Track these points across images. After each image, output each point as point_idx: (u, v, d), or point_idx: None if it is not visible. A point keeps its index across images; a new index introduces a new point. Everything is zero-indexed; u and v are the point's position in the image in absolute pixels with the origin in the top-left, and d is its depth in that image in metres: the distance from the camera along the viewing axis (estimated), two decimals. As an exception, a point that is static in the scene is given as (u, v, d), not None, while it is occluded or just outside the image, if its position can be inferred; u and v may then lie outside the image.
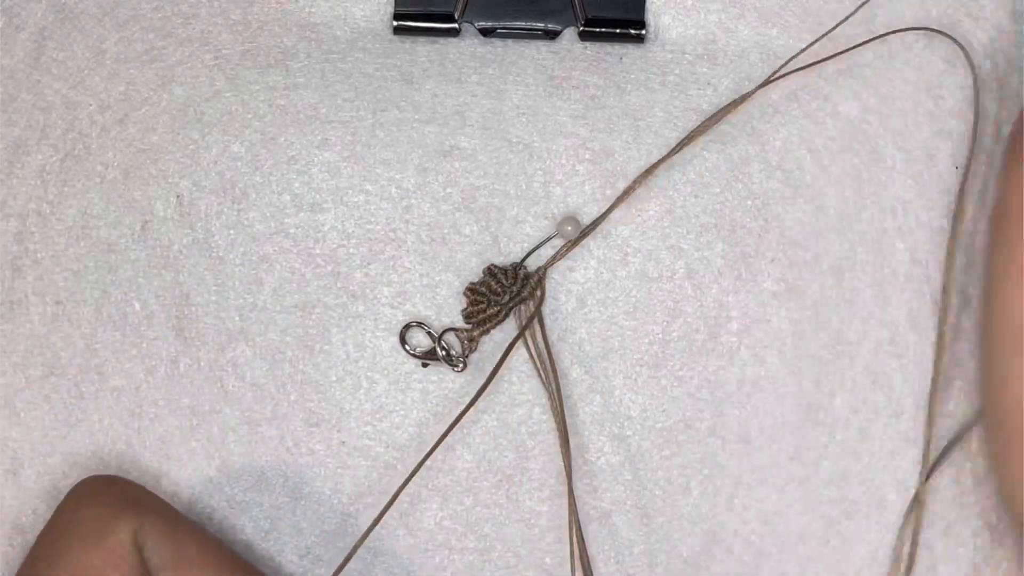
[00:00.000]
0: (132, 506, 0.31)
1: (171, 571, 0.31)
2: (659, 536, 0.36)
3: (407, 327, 0.36)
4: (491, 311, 0.35)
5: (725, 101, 0.36)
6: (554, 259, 0.36)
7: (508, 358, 0.35)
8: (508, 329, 0.36)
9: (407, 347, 0.36)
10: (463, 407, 0.35)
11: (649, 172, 0.35)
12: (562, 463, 0.35)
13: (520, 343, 0.35)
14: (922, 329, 0.36)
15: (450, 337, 0.36)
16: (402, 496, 0.35)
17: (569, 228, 0.35)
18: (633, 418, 0.36)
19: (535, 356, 0.35)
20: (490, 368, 0.35)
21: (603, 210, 0.35)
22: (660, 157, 0.35)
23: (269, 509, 0.36)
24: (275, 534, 0.36)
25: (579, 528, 0.35)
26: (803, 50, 0.35)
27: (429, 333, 0.36)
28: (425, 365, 0.36)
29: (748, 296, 0.36)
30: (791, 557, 0.36)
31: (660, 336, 0.36)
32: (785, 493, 0.36)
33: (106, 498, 0.32)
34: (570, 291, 0.36)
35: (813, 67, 0.35)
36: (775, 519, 0.36)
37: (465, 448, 0.36)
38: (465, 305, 0.36)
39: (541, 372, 0.35)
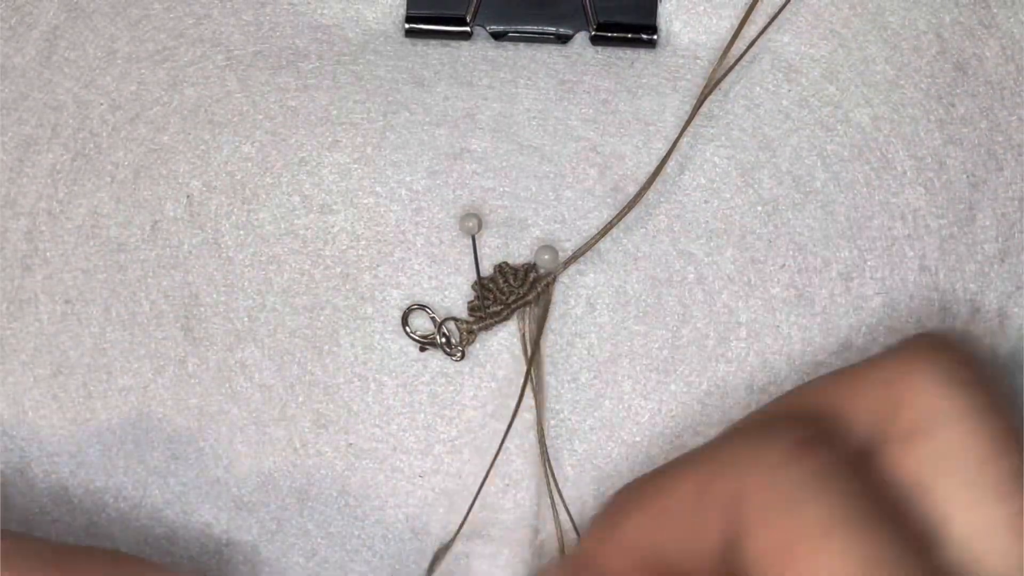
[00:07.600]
0: None
1: None
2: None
3: (410, 309, 0.36)
4: (494, 308, 0.35)
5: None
6: (564, 264, 0.36)
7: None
8: (511, 327, 0.36)
9: (408, 329, 0.36)
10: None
11: (648, 184, 0.36)
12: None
13: (521, 347, 0.35)
14: (931, 337, 0.36)
15: (451, 326, 0.36)
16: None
17: (547, 257, 0.35)
18: (642, 423, 0.36)
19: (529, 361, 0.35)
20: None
21: (612, 215, 0.35)
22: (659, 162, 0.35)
23: (276, 510, 0.36)
24: (281, 535, 0.36)
25: (561, 530, 0.35)
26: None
27: (432, 318, 0.36)
28: (423, 349, 0.36)
29: (758, 302, 0.36)
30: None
31: (670, 341, 0.36)
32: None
33: None
34: (580, 295, 0.36)
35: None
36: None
37: (473, 452, 0.36)
38: (472, 298, 0.36)
39: (533, 378, 0.35)
